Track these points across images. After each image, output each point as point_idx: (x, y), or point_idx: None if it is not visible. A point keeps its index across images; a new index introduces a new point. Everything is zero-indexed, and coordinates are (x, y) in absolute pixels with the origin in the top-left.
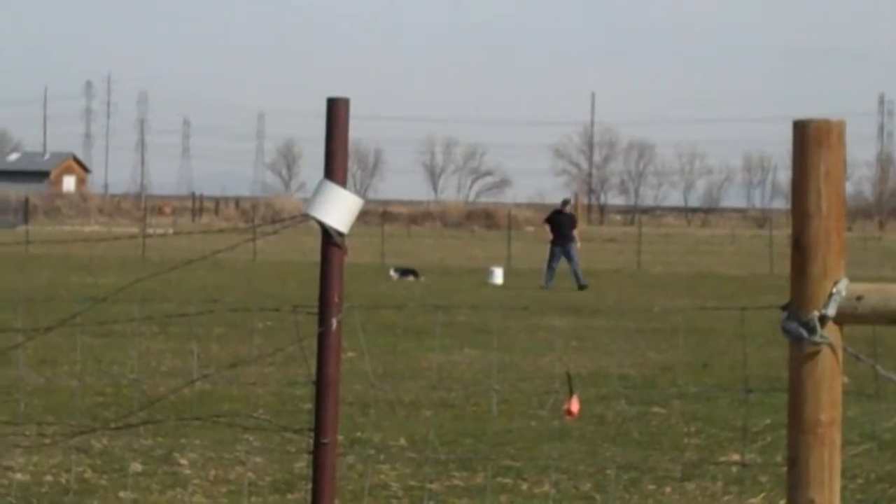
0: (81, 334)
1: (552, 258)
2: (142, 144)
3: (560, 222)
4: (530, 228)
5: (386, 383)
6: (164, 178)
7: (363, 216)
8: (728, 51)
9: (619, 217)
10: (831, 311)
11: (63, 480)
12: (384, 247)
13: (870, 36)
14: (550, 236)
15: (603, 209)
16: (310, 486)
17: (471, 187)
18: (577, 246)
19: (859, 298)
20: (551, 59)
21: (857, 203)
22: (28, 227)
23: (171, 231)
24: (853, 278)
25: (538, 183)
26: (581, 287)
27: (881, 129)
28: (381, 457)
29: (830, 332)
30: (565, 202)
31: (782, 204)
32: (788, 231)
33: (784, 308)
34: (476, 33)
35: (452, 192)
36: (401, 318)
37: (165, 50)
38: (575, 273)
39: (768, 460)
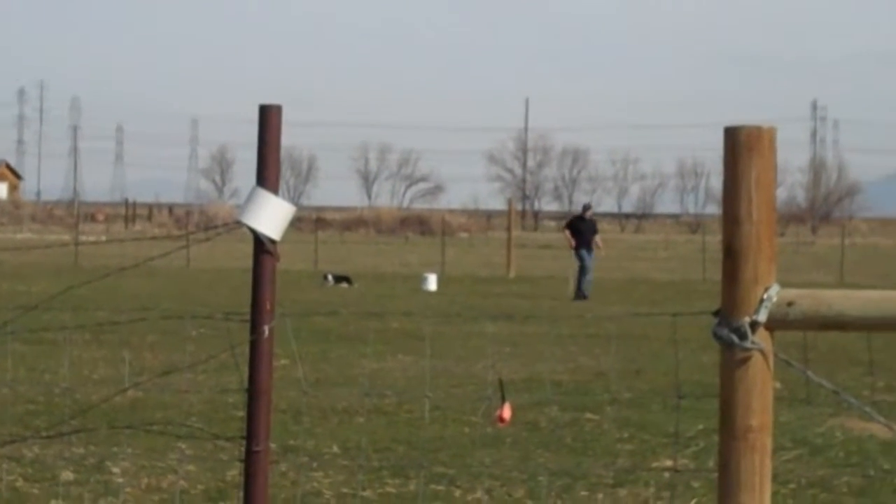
0: (13, 342)
1: (582, 263)
2: (75, 151)
3: (581, 229)
4: (464, 234)
5: (319, 390)
6: (98, 185)
7: (296, 223)
8: (662, 57)
9: (553, 223)
10: (762, 316)
11: None
12: (318, 253)
13: (803, 43)
14: (573, 243)
15: (537, 215)
16: (242, 494)
17: (405, 193)
18: (602, 254)
19: (790, 304)
20: (485, 65)
21: (789, 208)
22: None
23: (104, 238)
24: (785, 284)
25: (472, 189)
26: (578, 297)
27: (814, 134)
28: (314, 464)
29: (761, 338)
30: (586, 207)
31: (715, 209)
32: (721, 237)
33: (715, 314)
34: (410, 39)
35: (386, 199)
36: (334, 325)
37: (98, 56)
38: (580, 281)
39: (700, 466)
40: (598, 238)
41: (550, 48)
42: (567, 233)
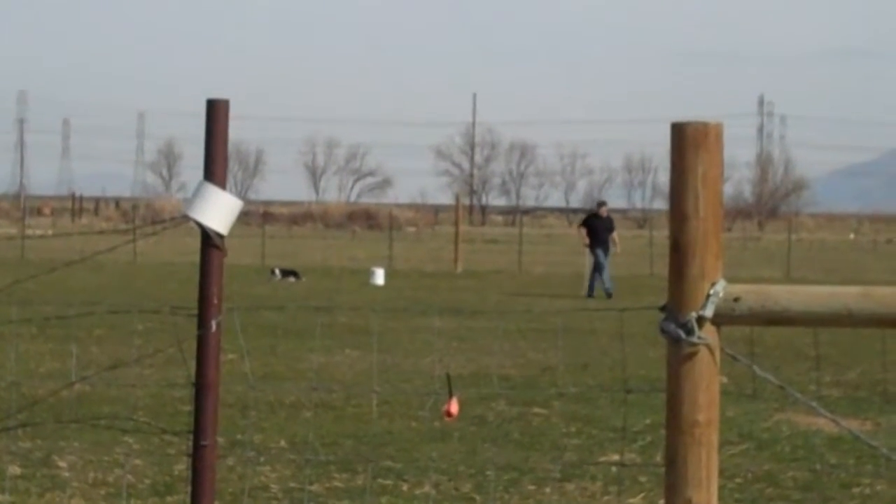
0: None
1: (597, 260)
2: (21, 144)
3: (596, 226)
4: (412, 229)
5: (266, 385)
6: (44, 179)
7: (244, 217)
8: (610, 53)
9: (500, 218)
10: (709, 312)
11: None
12: (265, 248)
13: (750, 39)
14: (587, 241)
15: (484, 210)
16: (189, 488)
17: (352, 188)
18: (617, 251)
19: (737, 299)
20: (433, 59)
21: (736, 204)
22: None
23: (50, 232)
24: (732, 279)
25: (420, 183)
26: (591, 295)
27: (760, 130)
28: (262, 458)
29: (708, 333)
30: (601, 204)
31: (663, 205)
32: (668, 232)
33: (662, 309)
34: (358, 34)
35: (334, 193)
36: (281, 320)
37: (44, 50)
38: (593, 279)
39: (647, 460)
40: (615, 235)
41: (498, 44)
42: (582, 231)
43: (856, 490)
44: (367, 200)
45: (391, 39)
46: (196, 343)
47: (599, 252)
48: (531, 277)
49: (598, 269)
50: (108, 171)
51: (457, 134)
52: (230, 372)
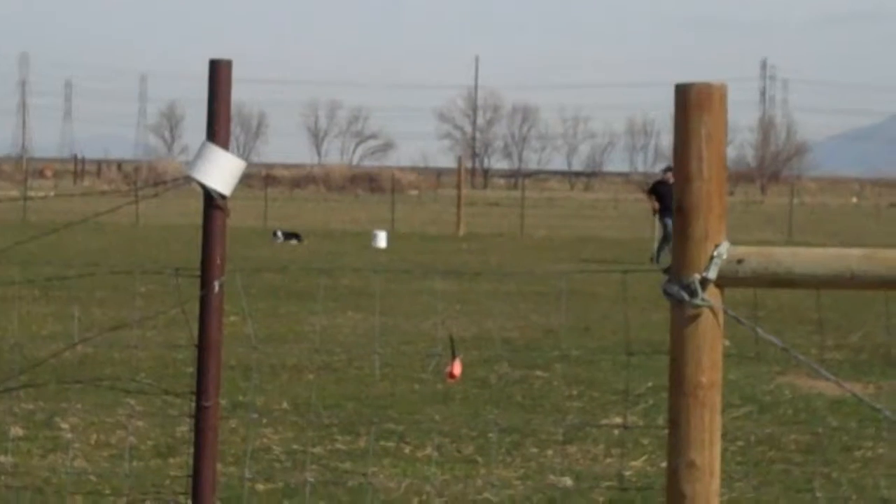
0: None
1: (667, 230)
2: (23, 107)
3: (664, 193)
4: (414, 192)
5: (268, 347)
6: (46, 141)
7: (246, 179)
8: (612, 16)
9: (502, 181)
10: (712, 273)
11: None
12: (267, 210)
13: (753, 4)
14: (656, 207)
15: (487, 173)
16: (192, 449)
17: (354, 151)
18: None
19: (740, 261)
20: (435, 22)
21: (739, 167)
22: None
23: (52, 194)
24: (734, 242)
25: (422, 146)
26: (657, 262)
27: (763, 93)
28: (264, 420)
29: (711, 295)
30: (668, 169)
31: None
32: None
33: (665, 271)
34: None
35: (336, 156)
36: (284, 282)
37: (47, 12)
38: (661, 248)
39: (650, 423)
40: (654, 200)
41: (501, 6)
42: (652, 198)
43: (857, 453)
44: (370, 163)
45: (394, 2)
46: (198, 304)
47: (669, 221)
48: (533, 241)
49: (667, 238)
50: (111, 134)
51: (459, 97)
52: (232, 334)
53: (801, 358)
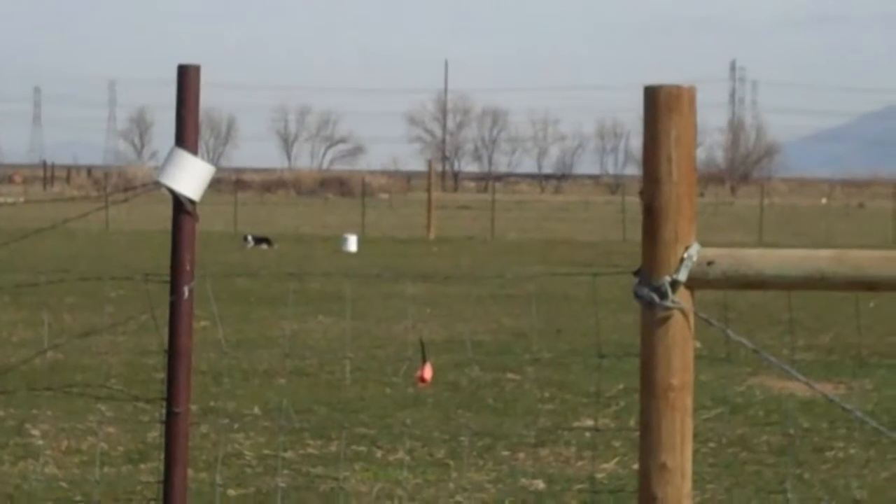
0: None
1: None
2: None
3: None
4: (384, 196)
5: (239, 352)
6: (15, 147)
7: (216, 184)
8: (581, 18)
9: (472, 184)
10: (682, 276)
11: None
12: (237, 215)
13: (723, 3)
14: None
15: (457, 176)
16: (163, 455)
17: (324, 155)
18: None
19: (710, 263)
20: (404, 26)
21: (709, 169)
22: None
23: (21, 200)
24: (705, 243)
25: (392, 150)
26: None
27: (732, 95)
28: (235, 426)
29: (682, 297)
30: None
31: (635, 170)
32: (639, 197)
33: (636, 273)
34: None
35: (306, 160)
36: (254, 287)
37: (15, 18)
38: None
39: (621, 425)
40: None
41: (469, 9)
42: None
43: (829, 454)
44: (340, 167)
45: (363, 6)
46: (168, 310)
47: None
48: (504, 243)
49: None
50: (80, 140)
51: (429, 100)
52: (203, 339)
53: (772, 359)
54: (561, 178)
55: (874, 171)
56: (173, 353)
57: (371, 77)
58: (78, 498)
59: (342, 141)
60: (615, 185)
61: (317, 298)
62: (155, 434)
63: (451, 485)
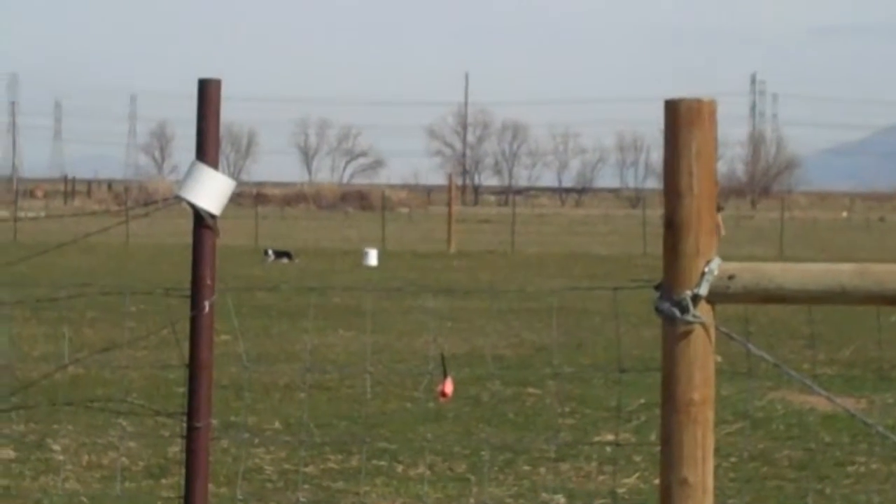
0: None
1: None
2: (13, 127)
3: None
4: (405, 209)
5: (260, 366)
6: (36, 161)
7: (236, 198)
8: (601, 31)
9: (493, 198)
10: (703, 290)
11: None
12: (258, 229)
13: (743, 16)
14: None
15: (477, 190)
16: (183, 470)
17: (345, 168)
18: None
19: (731, 277)
20: (425, 39)
21: (729, 182)
22: None
23: (43, 214)
24: (726, 257)
25: (412, 164)
26: None
27: (753, 108)
28: (256, 440)
29: (703, 312)
30: None
31: (656, 184)
32: (662, 211)
33: (657, 288)
34: (350, 14)
35: (326, 174)
36: (275, 301)
37: (37, 33)
38: None
39: (642, 440)
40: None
41: (490, 23)
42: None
43: (850, 468)
44: (360, 181)
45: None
46: (189, 324)
47: None
48: (524, 257)
49: None
50: (101, 154)
51: (449, 114)
52: (224, 353)
53: (793, 373)
54: (581, 191)
55: (895, 184)
56: (194, 368)
57: (391, 90)
58: None
59: (362, 154)
60: (636, 199)
61: (337, 312)
62: (176, 449)
63: (472, 500)
